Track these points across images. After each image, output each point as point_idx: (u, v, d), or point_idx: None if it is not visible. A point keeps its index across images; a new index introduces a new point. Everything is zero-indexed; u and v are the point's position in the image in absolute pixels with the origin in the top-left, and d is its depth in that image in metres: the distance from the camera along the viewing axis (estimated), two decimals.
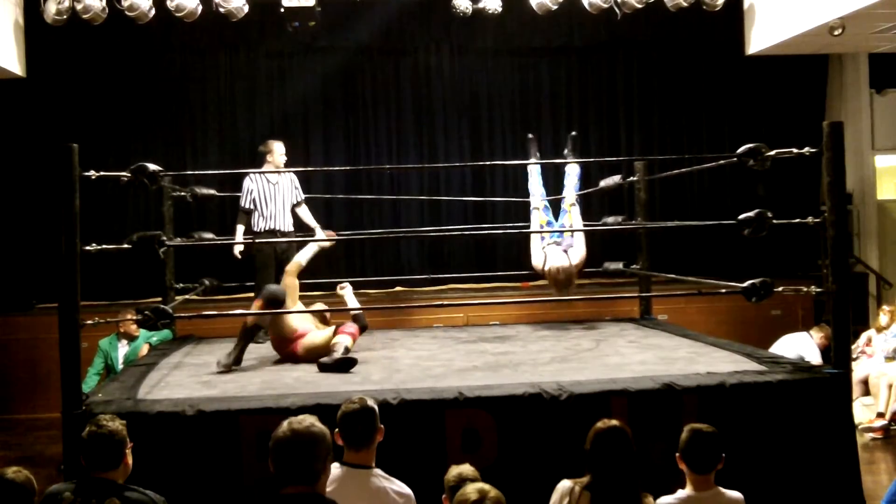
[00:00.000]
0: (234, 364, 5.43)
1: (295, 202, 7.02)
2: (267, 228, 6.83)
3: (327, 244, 6.50)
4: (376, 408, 3.40)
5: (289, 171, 7.01)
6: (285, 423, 2.76)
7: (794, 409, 4.54)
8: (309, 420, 2.78)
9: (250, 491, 4.13)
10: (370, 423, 3.34)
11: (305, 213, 7.10)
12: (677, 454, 3.44)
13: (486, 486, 2.75)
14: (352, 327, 5.67)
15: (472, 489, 2.74)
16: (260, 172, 6.84)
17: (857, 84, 10.00)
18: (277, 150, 6.91)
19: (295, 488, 2.68)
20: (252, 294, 7.10)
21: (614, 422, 3.33)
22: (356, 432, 3.27)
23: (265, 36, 9.01)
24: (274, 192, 6.87)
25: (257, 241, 6.80)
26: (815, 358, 7.29)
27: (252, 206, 6.86)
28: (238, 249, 6.91)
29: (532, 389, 4.43)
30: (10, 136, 8.91)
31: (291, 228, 6.94)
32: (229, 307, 8.17)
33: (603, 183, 7.40)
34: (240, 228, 6.93)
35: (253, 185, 6.86)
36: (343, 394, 4.32)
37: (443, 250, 9.43)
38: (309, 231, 6.98)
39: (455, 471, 3.48)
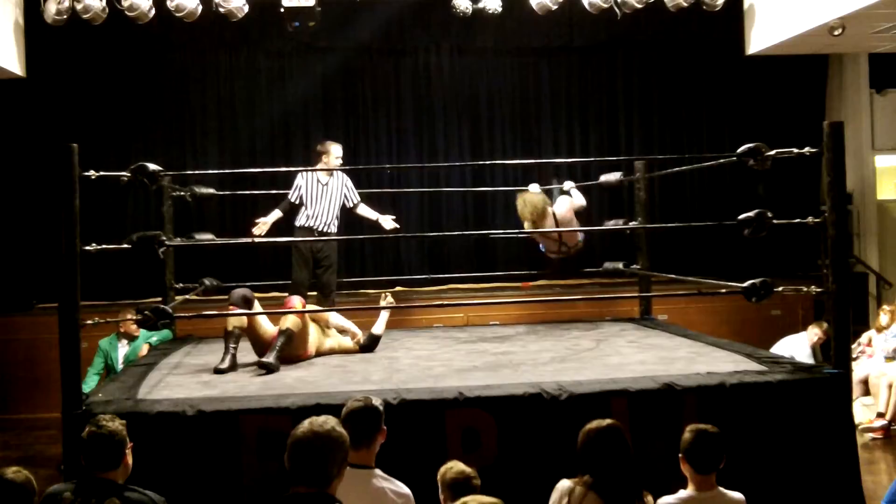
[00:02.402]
0: (230, 369, 5.36)
1: (351, 205, 7.12)
2: (305, 225, 6.96)
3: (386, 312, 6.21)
4: (381, 409, 3.40)
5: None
6: (306, 423, 2.75)
7: (794, 409, 4.54)
8: (331, 423, 2.76)
9: (250, 491, 4.13)
10: (373, 423, 3.34)
11: (365, 211, 7.21)
12: (680, 454, 3.44)
13: (486, 499, 2.74)
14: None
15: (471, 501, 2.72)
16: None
17: (857, 84, 10.00)
18: (334, 153, 6.98)
19: (305, 489, 2.67)
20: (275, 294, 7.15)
21: (608, 421, 3.33)
22: (358, 430, 3.27)
23: (265, 36, 9.00)
24: (322, 193, 6.96)
25: (279, 239, 6.99)
26: (803, 359, 7.32)
27: (298, 202, 6.98)
28: (260, 228, 6.92)
29: (532, 389, 4.43)
30: (10, 136, 8.90)
31: (334, 230, 7.01)
32: (229, 307, 8.16)
33: (603, 178, 7.41)
34: (275, 212, 7.04)
35: (302, 182, 6.99)
36: (343, 394, 4.33)
37: (443, 250, 9.43)
38: (371, 227, 7.15)
39: (456, 468, 3.39)
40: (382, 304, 6.22)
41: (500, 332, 7.05)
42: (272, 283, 7.76)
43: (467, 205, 9.52)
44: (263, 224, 6.94)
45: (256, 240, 6.91)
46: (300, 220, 7.01)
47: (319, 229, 6.96)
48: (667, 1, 8.32)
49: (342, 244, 7.76)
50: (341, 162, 7.05)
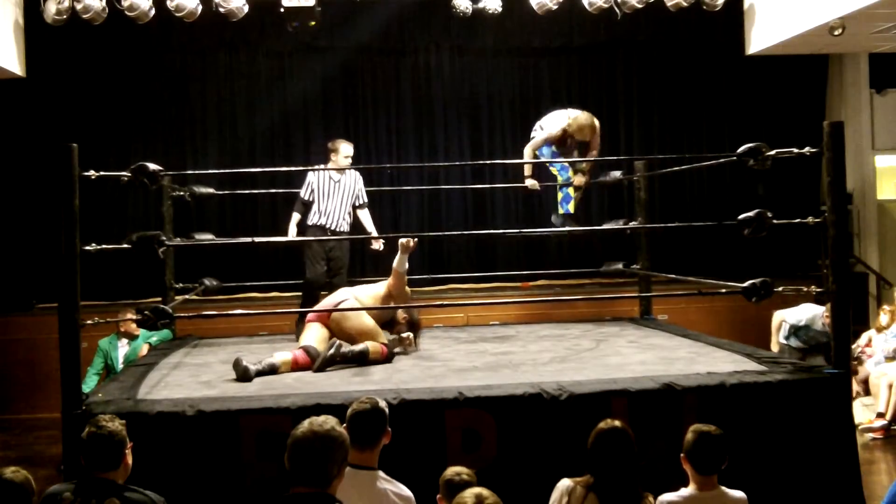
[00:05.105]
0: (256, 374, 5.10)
1: (357, 204, 7.10)
2: (318, 224, 6.93)
3: (411, 244, 5.89)
4: (387, 410, 3.41)
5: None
6: (306, 423, 2.76)
7: (795, 409, 4.54)
8: (330, 423, 2.77)
9: (250, 491, 4.13)
10: (379, 425, 3.35)
11: (365, 217, 7.16)
12: (682, 454, 3.45)
13: (485, 491, 2.74)
14: (301, 356, 5.31)
15: (468, 494, 2.72)
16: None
17: (857, 84, 10.00)
18: (343, 152, 6.96)
19: (305, 489, 2.67)
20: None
21: (617, 422, 3.33)
22: (363, 432, 3.28)
23: (265, 36, 9.01)
24: (333, 191, 6.95)
25: (298, 238, 6.95)
26: (818, 328, 7.50)
27: (311, 199, 6.97)
28: (292, 234, 7.02)
29: (532, 389, 4.43)
30: (10, 136, 8.90)
31: (346, 228, 7.00)
32: (229, 307, 8.18)
33: (602, 177, 7.42)
34: (294, 216, 7.05)
35: (314, 178, 6.98)
36: (343, 394, 4.33)
37: (443, 250, 9.43)
38: (365, 233, 7.07)
39: (452, 469, 3.43)
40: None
41: (500, 332, 7.04)
42: (272, 284, 7.76)
43: (467, 204, 9.52)
44: (291, 233, 6.99)
45: (256, 240, 6.92)
46: (312, 219, 6.98)
47: (332, 228, 6.93)
48: (667, 1, 8.32)
49: (355, 244, 7.71)
50: (350, 161, 7.02)
